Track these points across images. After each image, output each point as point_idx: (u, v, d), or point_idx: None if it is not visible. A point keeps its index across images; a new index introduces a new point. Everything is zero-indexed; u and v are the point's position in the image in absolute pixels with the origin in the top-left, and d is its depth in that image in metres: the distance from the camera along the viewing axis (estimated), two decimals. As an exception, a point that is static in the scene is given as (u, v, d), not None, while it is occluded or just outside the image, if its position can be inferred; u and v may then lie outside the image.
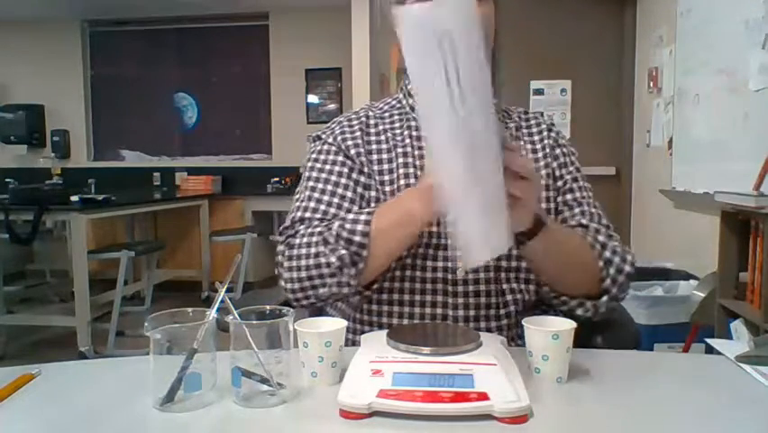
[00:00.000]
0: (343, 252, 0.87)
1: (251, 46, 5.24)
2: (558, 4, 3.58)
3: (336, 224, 0.90)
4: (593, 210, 1.01)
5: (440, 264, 0.96)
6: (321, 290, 0.90)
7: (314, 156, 1.03)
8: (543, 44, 3.57)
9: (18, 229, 3.29)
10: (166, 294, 4.51)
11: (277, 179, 4.81)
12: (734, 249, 1.92)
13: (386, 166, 1.01)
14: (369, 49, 3.81)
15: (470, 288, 0.95)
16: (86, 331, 3.18)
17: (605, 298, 0.91)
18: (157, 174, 5.29)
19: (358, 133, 1.03)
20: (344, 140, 1.02)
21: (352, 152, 1.01)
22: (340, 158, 1.01)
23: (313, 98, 5.12)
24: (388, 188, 0.99)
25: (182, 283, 4.64)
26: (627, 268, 0.92)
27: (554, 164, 1.04)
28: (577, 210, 1.01)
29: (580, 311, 0.92)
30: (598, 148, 3.49)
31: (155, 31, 5.36)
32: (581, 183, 1.04)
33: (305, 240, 0.91)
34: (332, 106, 5.07)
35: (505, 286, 0.97)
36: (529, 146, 1.06)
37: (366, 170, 1.00)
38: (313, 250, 0.89)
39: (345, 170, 1.00)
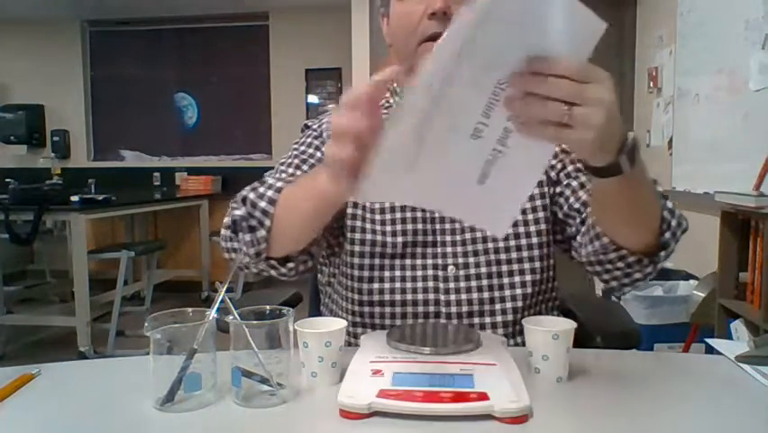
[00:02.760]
0: (239, 213, 0.84)
1: (251, 46, 5.24)
2: (558, 4, 3.58)
3: (251, 186, 0.88)
4: None
5: (429, 261, 0.96)
6: (234, 255, 0.87)
7: (300, 141, 1.06)
8: (543, 44, 3.57)
9: (18, 229, 3.29)
10: (166, 294, 4.51)
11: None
12: (734, 249, 1.92)
13: None
14: (369, 49, 3.81)
15: (462, 284, 0.95)
16: (86, 331, 3.18)
17: (663, 253, 0.83)
18: (157, 174, 5.29)
19: None
20: (329, 129, 1.02)
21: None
22: (317, 143, 1.03)
23: (313, 98, 5.12)
24: None
25: (182, 283, 4.65)
26: (685, 223, 0.84)
27: None
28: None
29: (637, 273, 0.84)
30: (598, 148, 3.48)
31: (155, 31, 5.36)
32: None
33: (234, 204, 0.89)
34: (332, 106, 5.06)
35: (506, 280, 0.96)
36: None
37: None
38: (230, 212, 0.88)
39: (319, 154, 1.01)
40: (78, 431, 0.65)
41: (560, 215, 0.98)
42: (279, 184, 0.86)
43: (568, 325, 0.75)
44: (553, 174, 0.99)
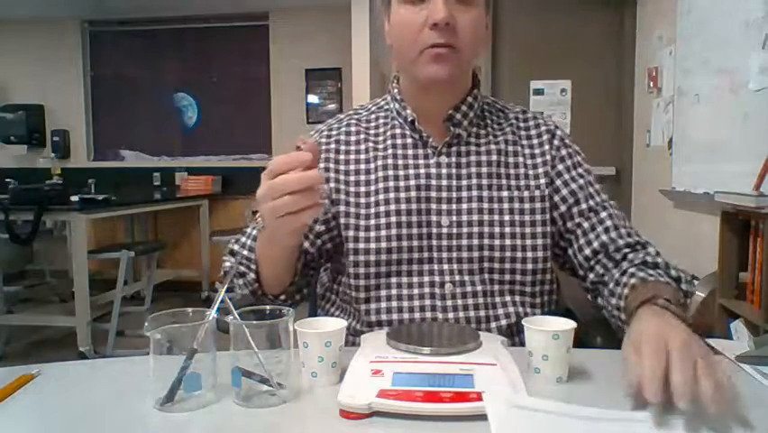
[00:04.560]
0: (227, 264, 0.98)
1: (251, 46, 5.24)
2: (558, 4, 3.58)
3: (237, 236, 1.00)
4: (623, 223, 0.98)
5: (426, 279, 0.95)
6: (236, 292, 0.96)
7: None
8: (543, 44, 3.57)
9: (18, 229, 3.29)
10: (166, 294, 4.51)
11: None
12: (734, 249, 1.92)
13: (363, 177, 1.00)
14: (369, 49, 3.81)
15: (459, 301, 0.94)
16: (86, 331, 3.18)
17: None
18: (157, 174, 5.29)
19: (333, 146, 1.02)
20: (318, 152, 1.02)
21: (321, 165, 1.01)
22: None
23: (313, 98, 5.12)
24: (363, 200, 0.98)
25: (182, 283, 4.65)
26: (691, 288, 0.91)
27: (560, 167, 1.00)
28: (609, 223, 0.96)
29: None
30: (599, 148, 3.48)
31: (155, 31, 5.36)
32: (597, 187, 1.01)
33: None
34: (332, 106, 5.07)
35: (498, 299, 0.95)
36: (527, 151, 1.01)
37: (332, 185, 0.99)
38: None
39: None
40: (78, 431, 0.65)
41: (569, 251, 1.00)
42: (255, 232, 0.97)
43: (568, 325, 0.75)
44: (563, 207, 0.98)
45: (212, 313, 0.71)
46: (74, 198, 3.38)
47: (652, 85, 3.12)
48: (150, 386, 0.68)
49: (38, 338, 3.64)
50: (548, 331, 0.73)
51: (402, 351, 0.74)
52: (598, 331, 1.01)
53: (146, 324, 0.68)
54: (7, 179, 3.63)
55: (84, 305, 3.17)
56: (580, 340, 0.83)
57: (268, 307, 0.75)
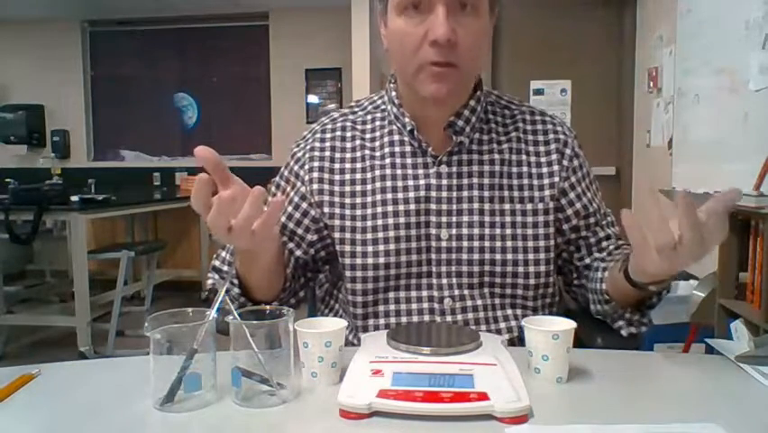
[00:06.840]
0: (210, 282, 0.96)
1: (251, 46, 5.24)
2: (558, 4, 3.58)
3: (218, 252, 0.99)
4: (611, 221, 1.02)
5: (425, 294, 0.94)
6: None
7: (283, 172, 1.02)
8: (543, 44, 3.57)
9: (18, 229, 3.29)
10: (166, 294, 4.51)
11: (277, 178, 4.82)
12: (734, 249, 1.91)
13: (359, 188, 0.96)
14: (369, 49, 3.81)
15: (459, 316, 0.93)
16: (86, 331, 3.18)
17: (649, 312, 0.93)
18: (157, 174, 5.29)
19: (327, 153, 0.98)
20: (312, 158, 0.98)
21: (315, 174, 0.97)
22: (294, 181, 0.99)
23: (313, 98, 5.12)
24: (359, 212, 0.95)
25: (182, 283, 4.65)
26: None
27: (573, 179, 0.97)
28: (609, 232, 1.00)
29: (643, 328, 0.93)
30: (598, 148, 3.48)
31: (155, 31, 5.36)
32: (595, 191, 1.02)
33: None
34: (332, 106, 5.06)
35: (499, 313, 0.94)
36: (533, 159, 0.97)
37: (327, 198, 0.96)
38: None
39: (296, 198, 0.98)
40: (78, 431, 0.65)
41: (576, 262, 1.01)
42: (233, 246, 0.93)
43: (568, 325, 0.75)
44: (574, 221, 0.98)
45: (212, 313, 0.71)
46: (74, 198, 3.37)
47: (652, 85, 3.12)
48: (150, 386, 0.69)
49: (38, 338, 3.64)
50: (548, 331, 0.73)
51: (402, 351, 0.74)
52: (599, 331, 1.01)
53: (146, 324, 0.68)
54: (7, 179, 3.62)
55: (84, 305, 3.17)
56: (580, 340, 0.83)
57: (268, 307, 0.75)
